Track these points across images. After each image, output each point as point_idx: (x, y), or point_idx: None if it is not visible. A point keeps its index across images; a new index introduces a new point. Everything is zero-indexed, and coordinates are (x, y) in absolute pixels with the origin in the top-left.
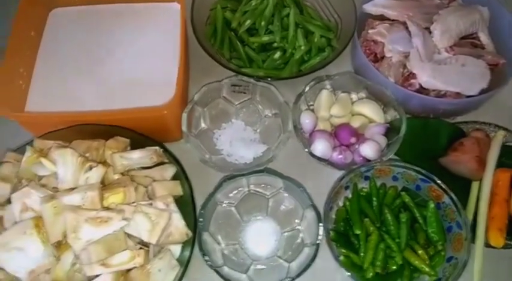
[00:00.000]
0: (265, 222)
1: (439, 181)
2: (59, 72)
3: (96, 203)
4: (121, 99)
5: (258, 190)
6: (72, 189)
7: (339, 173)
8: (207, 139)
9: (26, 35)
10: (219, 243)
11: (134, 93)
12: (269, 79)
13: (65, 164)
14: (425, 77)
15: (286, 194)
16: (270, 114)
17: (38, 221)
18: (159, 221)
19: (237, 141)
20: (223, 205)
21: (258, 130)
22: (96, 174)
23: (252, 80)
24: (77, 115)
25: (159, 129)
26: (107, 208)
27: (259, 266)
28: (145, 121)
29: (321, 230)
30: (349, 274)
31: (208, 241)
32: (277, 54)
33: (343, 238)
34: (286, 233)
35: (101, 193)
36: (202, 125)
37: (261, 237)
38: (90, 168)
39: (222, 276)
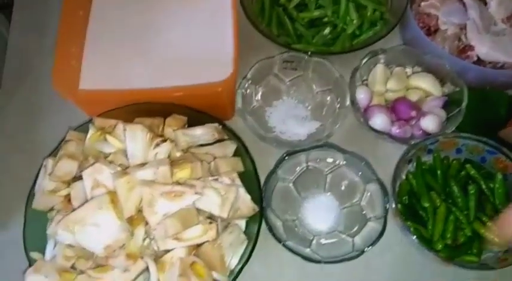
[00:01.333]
0: (323, 198)
1: (507, 152)
2: (108, 51)
3: (168, 178)
4: (172, 77)
5: (315, 165)
6: (142, 165)
7: (395, 149)
8: (259, 117)
9: (74, 14)
10: (280, 219)
11: (185, 71)
12: (327, 55)
13: (134, 139)
14: (485, 48)
15: (345, 169)
16: (322, 91)
17: (113, 197)
18: (228, 196)
19: (289, 118)
20: (283, 181)
21: (309, 107)
22: (164, 150)
23: (305, 56)
24: (131, 93)
25: (212, 107)
26: (179, 183)
27: (321, 241)
28: (198, 99)
29: (390, 204)
30: (420, 245)
31: (271, 217)
32: (327, 30)
33: (409, 211)
34: (345, 209)
35: (171, 168)
36: (254, 103)
37: (319, 213)
38: (158, 144)
39: (289, 249)
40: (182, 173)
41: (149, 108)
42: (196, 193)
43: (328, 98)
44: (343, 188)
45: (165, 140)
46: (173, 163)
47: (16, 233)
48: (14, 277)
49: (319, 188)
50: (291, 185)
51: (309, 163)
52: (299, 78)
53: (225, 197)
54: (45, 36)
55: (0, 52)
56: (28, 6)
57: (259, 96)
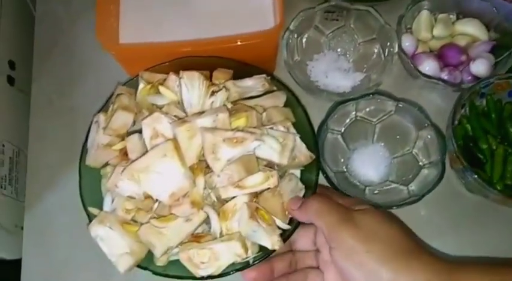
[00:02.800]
0: (372, 149)
1: None
2: (145, 6)
3: (228, 125)
4: (213, 29)
5: (365, 116)
6: (200, 113)
7: (444, 97)
8: (301, 71)
9: None
10: (331, 170)
11: (227, 22)
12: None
13: (192, 88)
14: None
15: (396, 117)
16: (365, 41)
17: (176, 144)
18: (286, 142)
19: (332, 71)
20: (332, 132)
21: (351, 60)
22: (220, 98)
23: (348, 4)
24: (172, 45)
25: (255, 59)
26: (239, 129)
27: (374, 190)
28: (242, 50)
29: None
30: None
31: (324, 167)
32: None
33: (465, 156)
34: (396, 159)
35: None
36: (296, 56)
37: (369, 164)
38: (213, 93)
39: (346, 194)
40: (238, 122)
41: (194, 62)
42: (257, 140)
43: (373, 48)
44: (394, 137)
45: (221, 89)
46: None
47: (65, 194)
48: (69, 237)
49: (367, 139)
50: (339, 136)
51: (358, 113)
52: (340, 29)
53: (284, 144)
54: (71, 2)
55: (29, 23)
56: None
57: (300, 49)
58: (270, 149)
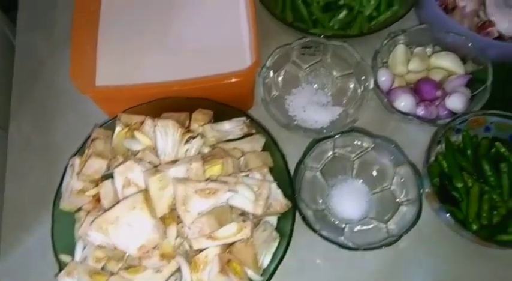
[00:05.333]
0: (351, 185)
1: None
2: (122, 45)
3: (201, 175)
4: (190, 69)
5: (342, 152)
6: (173, 162)
7: (420, 130)
8: (280, 106)
9: (85, 11)
10: (310, 208)
11: (203, 62)
12: (346, 38)
13: (166, 135)
14: (506, 23)
15: (374, 154)
16: (342, 75)
17: (146, 195)
18: (261, 191)
19: (310, 106)
20: (311, 169)
21: (329, 93)
22: (195, 146)
23: (324, 40)
24: (149, 87)
25: (232, 97)
26: (212, 179)
27: (354, 228)
28: (219, 90)
29: (424, 185)
30: (457, 226)
31: (302, 207)
32: (343, 13)
33: (441, 193)
34: (376, 194)
35: (203, 165)
36: (274, 92)
37: (348, 201)
38: (188, 140)
39: (324, 238)
40: (213, 170)
41: (173, 103)
42: (230, 190)
43: (350, 83)
44: (372, 173)
45: (195, 136)
46: (203, 159)
47: (40, 236)
48: None
49: (346, 175)
50: (318, 173)
51: (336, 150)
52: (317, 64)
53: (259, 193)
54: (54, 33)
55: (8, 55)
56: (33, 5)
57: (278, 85)
58: (244, 198)
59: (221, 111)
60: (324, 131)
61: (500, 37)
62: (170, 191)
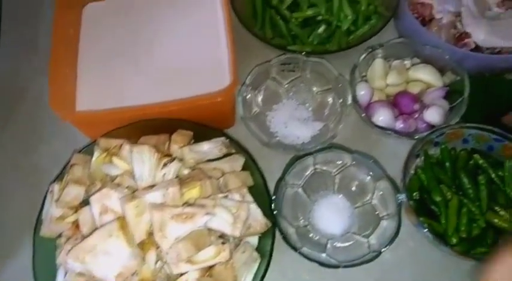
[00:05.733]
0: (333, 200)
1: None
2: (103, 68)
3: (178, 199)
4: (170, 90)
5: (323, 168)
6: (151, 187)
7: (400, 144)
8: (261, 123)
9: (65, 34)
10: (292, 226)
11: (183, 83)
12: (319, 54)
13: (142, 161)
14: (482, 35)
15: (354, 169)
16: (322, 91)
17: (122, 223)
18: (239, 213)
19: (291, 121)
20: (292, 186)
21: (310, 108)
22: (172, 169)
23: (302, 57)
24: (130, 110)
25: (214, 117)
26: (189, 204)
27: (336, 244)
28: (200, 110)
29: (401, 200)
30: (435, 241)
31: (283, 226)
32: (322, 28)
33: (421, 207)
34: (357, 209)
35: (180, 189)
36: (255, 108)
37: (331, 215)
38: (165, 164)
39: (305, 256)
40: (191, 193)
41: (153, 125)
42: (207, 214)
43: (329, 98)
44: (353, 188)
45: (173, 160)
46: (181, 181)
47: (25, 261)
48: None
49: (328, 190)
50: (299, 190)
51: (317, 166)
52: (297, 79)
53: (237, 215)
54: (36, 57)
55: None
56: (15, 29)
57: (259, 102)
58: (222, 221)
59: (201, 132)
60: (304, 147)
61: (477, 48)
62: (147, 217)
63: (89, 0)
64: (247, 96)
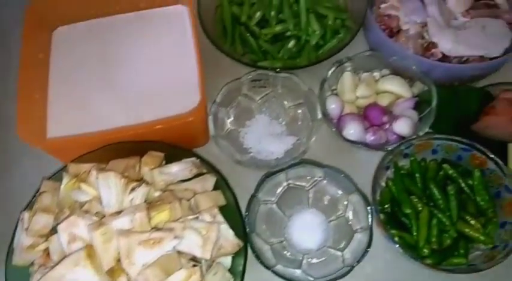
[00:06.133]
0: (308, 214)
1: (482, 148)
2: (74, 92)
3: (145, 224)
4: (142, 111)
5: (296, 183)
6: (118, 212)
7: (373, 155)
8: (234, 139)
9: (34, 59)
10: (267, 243)
11: (154, 105)
12: (289, 70)
13: (108, 187)
14: (448, 44)
15: (326, 183)
16: (294, 105)
17: (90, 251)
18: (209, 235)
19: (265, 137)
20: (265, 203)
21: (284, 123)
22: (140, 194)
23: (272, 73)
24: (101, 134)
25: (186, 136)
26: (157, 228)
27: (311, 260)
28: (171, 130)
29: (371, 213)
30: (406, 254)
31: (257, 243)
32: (291, 43)
33: (392, 220)
34: (332, 222)
35: (148, 213)
36: (228, 126)
37: (306, 230)
38: (133, 188)
39: (278, 275)
40: (161, 216)
41: (125, 148)
42: (175, 238)
43: (301, 112)
44: (326, 202)
45: (140, 184)
46: (151, 205)
47: None
48: None
49: (303, 204)
50: (274, 206)
51: (290, 181)
52: (269, 95)
53: (207, 236)
54: (8, 80)
55: None
56: None
57: (231, 119)
58: (191, 243)
59: (173, 152)
60: (279, 162)
61: (446, 57)
62: (115, 244)
63: (59, 23)
64: (219, 114)
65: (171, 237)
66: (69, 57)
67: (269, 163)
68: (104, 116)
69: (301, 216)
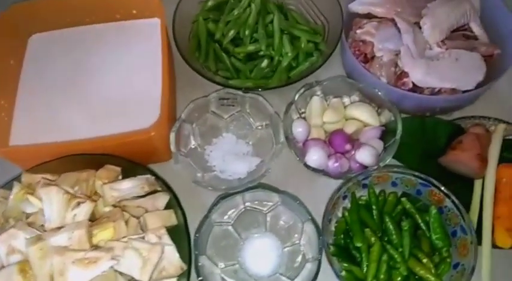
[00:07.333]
0: (264, 238)
1: (439, 185)
2: (42, 101)
3: (84, 243)
4: (109, 123)
5: (254, 206)
6: (59, 228)
7: (337, 182)
8: (198, 157)
9: (4, 64)
10: (217, 266)
11: (123, 116)
12: (259, 89)
13: (50, 202)
14: (419, 75)
15: (283, 209)
16: (262, 126)
17: (24, 266)
18: (150, 256)
19: (230, 155)
20: (220, 225)
21: (251, 142)
22: (83, 210)
23: (239, 92)
24: (63, 145)
25: (148, 151)
26: (96, 246)
27: None
28: (133, 145)
29: (321, 244)
30: None
31: (206, 265)
32: (265, 63)
33: (344, 252)
34: (287, 249)
35: (89, 231)
36: (193, 142)
37: (261, 254)
38: (78, 204)
39: None
40: (104, 234)
41: (83, 160)
42: (112, 259)
43: (268, 134)
44: (282, 228)
45: (85, 200)
46: (97, 221)
47: None
48: None
49: (260, 228)
50: (230, 227)
51: (247, 204)
52: (238, 114)
53: (147, 258)
54: None
55: None
56: None
57: (197, 136)
58: (131, 264)
59: (130, 167)
60: (241, 182)
61: (418, 87)
62: (51, 261)
63: (35, 31)
64: (184, 131)
65: (108, 257)
66: (42, 65)
67: (231, 182)
68: (70, 126)
69: (257, 240)
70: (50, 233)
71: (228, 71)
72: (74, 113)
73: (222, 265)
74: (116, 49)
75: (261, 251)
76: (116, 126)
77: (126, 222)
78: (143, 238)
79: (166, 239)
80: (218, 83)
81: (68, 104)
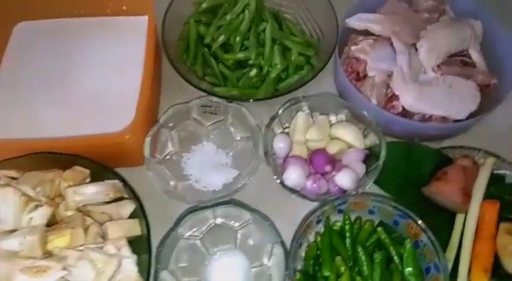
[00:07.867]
0: (232, 255)
1: (416, 218)
2: (19, 94)
3: (36, 249)
4: (86, 122)
5: (225, 221)
6: (13, 231)
7: (310, 204)
8: (174, 164)
9: None
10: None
11: (100, 115)
12: (244, 100)
13: (6, 203)
14: (410, 99)
15: (254, 227)
16: (243, 138)
17: None
18: (105, 269)
19: (207, 165)
20: (187, 238)
21: (231, 153)
22: (41, 214)
23: (222, 101)
24: (32, 142)
25: (121, 154)
26: (49, 253)
27: None
28: (106, 147)
29: (287, 270)
30: None
31: (167, 280)
32: (253, 72)
33: (311, 280)
34: (254, 269)
35: (43, 237)
36: (170, 148)
37: (226, 272)
38: (36, 207)
39: None
40: (60, 241)
41: (52, 159)
42: (64, 269)
43: (248, 146)
44: (252, 247)
45: (43, 204)
46: (55, 227)
47: None
48: None
49: (230, 244)
50: (198, 242)
51: (217, 219)
52: (220, 123)
53: (102, 270)
54: None
55: None
56: None
57: (175, 142)
58: (83, 275)
59: (99, 171)
60: (215, 195)
61: (407, 112)
62: None
63: (22, 19)
64: (161, 136)
65: (59, 267)
66: (24, 55)
67: (205, 194)
68: (44, 123)
69: (225, 257)
70: (1, 236)
71: (215, 77)
72: (50, 110)
73: (185, 280)
74: (101, 45)
75: (227, 269)
76: (91, 126)
77: (86, 229)
78: (102, 247)
79: (126, 251)
80: (204, 90)
81: (46, 100)
